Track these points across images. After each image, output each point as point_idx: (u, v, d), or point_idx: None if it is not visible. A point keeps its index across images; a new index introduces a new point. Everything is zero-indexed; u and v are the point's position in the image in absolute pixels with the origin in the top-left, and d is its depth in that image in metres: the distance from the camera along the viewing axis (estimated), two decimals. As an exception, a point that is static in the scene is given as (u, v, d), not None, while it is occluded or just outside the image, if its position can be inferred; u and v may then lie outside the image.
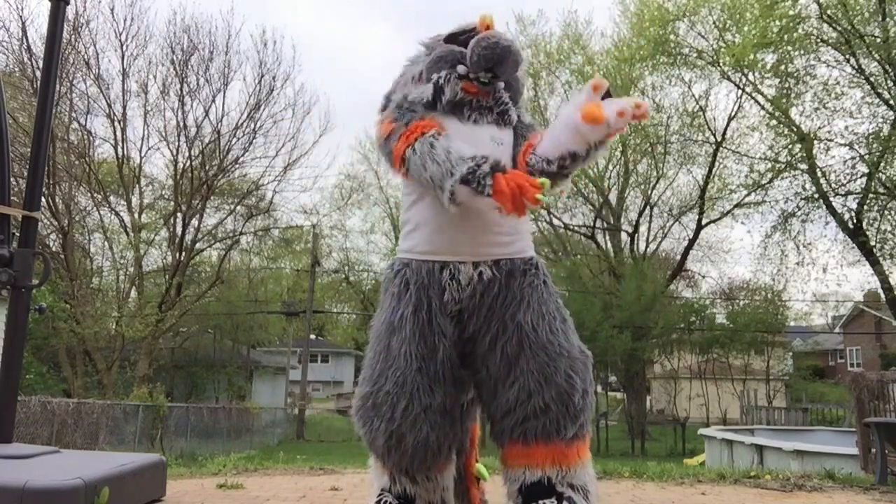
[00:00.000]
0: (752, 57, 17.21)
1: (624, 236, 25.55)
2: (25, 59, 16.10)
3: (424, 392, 1.63)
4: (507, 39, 1.70)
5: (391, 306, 1.72)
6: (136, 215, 19.15)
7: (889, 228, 17.51)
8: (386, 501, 1.70)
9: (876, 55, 15.69)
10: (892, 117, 16.22)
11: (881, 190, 16.83)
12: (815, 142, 17.69)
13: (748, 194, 20.64)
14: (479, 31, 1.78)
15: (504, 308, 1.68)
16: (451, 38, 1.87)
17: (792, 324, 29.35)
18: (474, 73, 1.74)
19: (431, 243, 1.74)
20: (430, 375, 1.65)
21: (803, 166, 18.02)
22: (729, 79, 19.46)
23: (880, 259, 17.18)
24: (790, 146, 18.53)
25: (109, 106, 18.38)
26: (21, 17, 16.52)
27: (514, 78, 1.86)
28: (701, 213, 22.64)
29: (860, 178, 17.26)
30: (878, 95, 16.26)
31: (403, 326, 1.67)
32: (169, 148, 19.42)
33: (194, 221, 19.86)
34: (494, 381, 1.68)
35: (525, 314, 1.66)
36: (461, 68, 1.75)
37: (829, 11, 16.15)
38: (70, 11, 14.48)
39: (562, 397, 1.61)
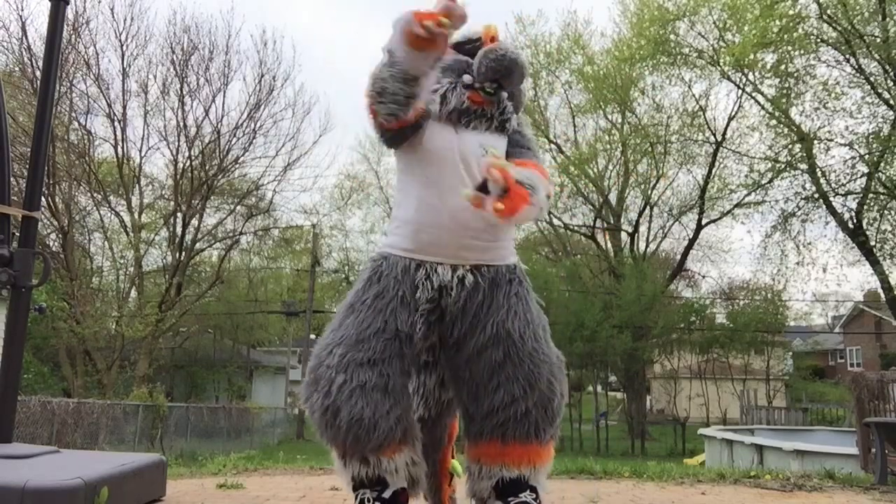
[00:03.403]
0: (752, 57, 17.22)
1: (624, 236, 25.56)
2: (25, 59, 16.10)
3: (363, 370, 1.63)
4: (514, 52, 1.78)
5: (356, 290, 1.76)
6: (136, 215, 19.13)
7: (889, 228, 17.52)
8: (367, 498, 1.66)
9: (876, 55, 15.69)
10: (892, 117, 16.23)
11: (881, 190, 16.84)
12: (815, 142, 17.70)
13: (748, 194, 20.65)
14: (484, 42, 1.85)
15: (490, 315, 1.71)
16: (457, 47, 1.90)
17: (792, 324, 29.34)
18: (480, 84, 1.79)
19: (413, 242, 1.77)
20: (374, 355, 1.65)
21: (803, 166, 18.03)
22: (729, 79, 19.47)
23: (880, 259, 17.19)
24: (790, 146, 18.54)
25: (109, 106, 18.39)
26: (21, 16, 16.49)
27: (518, 89, 1.91)
28: (701, 213, 22.64)
29: (860, 178, 17.27)
30: (878, 95, 16.26)
31: (361, 309, 1.70)
32: (169, 148, 19.43)
33: (194, 221, 19.85)
34: (476, 385, 1.72)
35: (513, 322, 1.70)
36: (467, 78, 1.80)
37: (828, 11, 16.15)
38: (70, 11, 14.50)
39: (543, 402, 1.69)
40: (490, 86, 1.79)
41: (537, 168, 1.77)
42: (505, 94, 1.84)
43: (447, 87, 1.80)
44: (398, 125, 1.72)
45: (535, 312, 1.77)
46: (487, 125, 1.83)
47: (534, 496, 1.70)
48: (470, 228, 1.74)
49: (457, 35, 1.90)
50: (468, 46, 1.88)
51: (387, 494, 1.65)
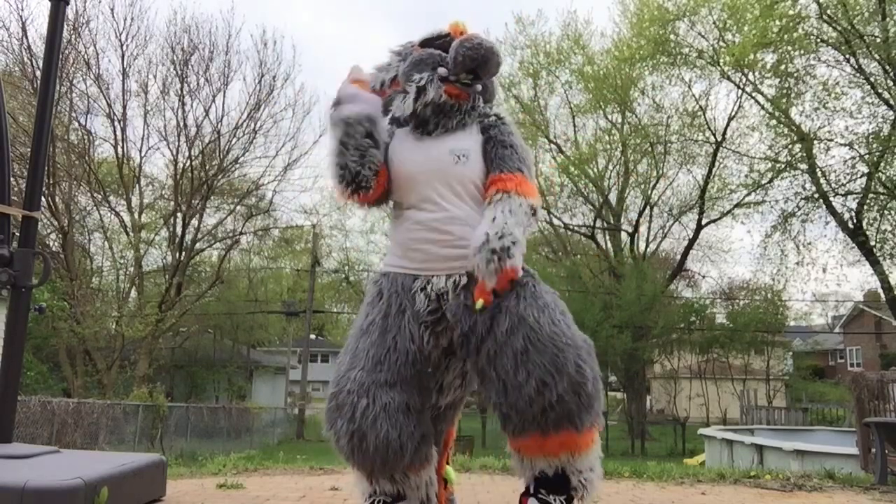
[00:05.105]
0: (752, 57, 17.20)
1: (624, 236, 25.54)
2: (25, 59, 16.08)
3: (384, 391, 1.65)
4: (489, 41, 1.79)
5: (364, 312, 1.81)
6: (136, 215, 19.12)
7: (889, 228, 17.50)
8: (380, 501, 1.71)
9: (876, 55, 15.68)
10: (892, 117, 16.21)
11: (881, 190, 16.82)
12: (815, 142, 17.68)
13: (748, 194, 20.63)
14: (454, 37, 1.86)
15: (501, 307, 1.72)
16: (426, 44, 1.93)
17: (792, 324, 29.29)
18: (455, 75, 1.80)
19: (407, 259, 1.83)
20: (392, 376, 1.68)
21: (803, 166, 18.01)
22: (729, 79, 19.44)
23: (880, 259, 17.17)
24: (790, 146, 18.52)
25: (109, 106, 18.37)
26: (21, 17, 16.55)
27: (490, 81, 1.94)
28: (701, 213, 22.62)
29: (860, 178, 17.25)
30: (878, 95, 16.24)
31: (372, 331, 1.74)
32: (169, 148, 19.42)
33: (194, 221, 19.83)
34: (503, 381, 1.70)
35: (525, 309, 1.69)
36: (442, 70, 1.82)
37: (828, 11, 16.13)
38: (70, 11, 14.48)
39: (574, 387, 1.65)
40: (466, 77, 1.80)
41: (518, 186, 1.76)
42: (479, 87, 1.86)
43: (425, 80, 1.81)
44: (363, 199, 1.86)
45: (550, 298, 1.76)
46: (452, 123, 1.85)
47: (563, 498, 1.69)
48: (457, 238, 1.77)
49: (425, 32, 1.97)
50: (438, 42, 1.89)
51: None
